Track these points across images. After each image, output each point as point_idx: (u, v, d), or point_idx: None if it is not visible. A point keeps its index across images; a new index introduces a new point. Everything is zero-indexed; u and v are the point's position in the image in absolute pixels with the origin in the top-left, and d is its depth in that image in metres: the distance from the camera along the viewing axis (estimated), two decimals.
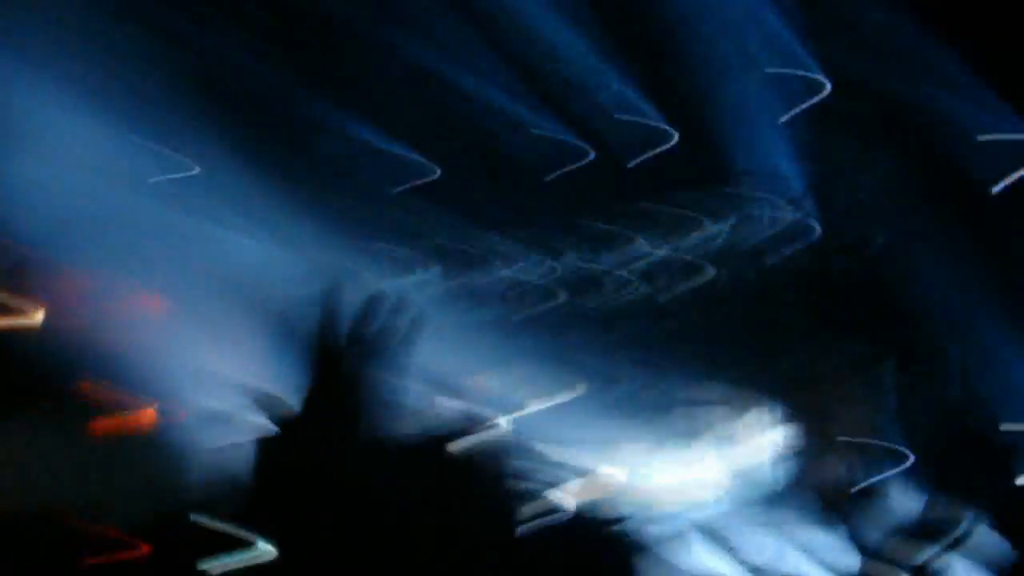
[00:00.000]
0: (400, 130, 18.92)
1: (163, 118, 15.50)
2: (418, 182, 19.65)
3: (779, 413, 16.50)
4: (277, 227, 18.03)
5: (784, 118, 15.17)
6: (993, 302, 12.75)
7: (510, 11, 15.52)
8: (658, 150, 16.80)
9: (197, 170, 17.71)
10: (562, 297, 17.32)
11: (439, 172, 19.07)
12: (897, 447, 13.70)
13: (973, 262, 12.78)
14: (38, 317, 13.77)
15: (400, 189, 18.65)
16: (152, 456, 12.99)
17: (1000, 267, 12.71)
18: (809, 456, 15.35)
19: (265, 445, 9.57)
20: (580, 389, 17.74)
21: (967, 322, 12.80)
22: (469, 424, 9.51)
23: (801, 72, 14.63)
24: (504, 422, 9.98)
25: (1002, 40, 12.78)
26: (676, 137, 16.29)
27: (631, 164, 16.85)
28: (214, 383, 15.71)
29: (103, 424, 13.91)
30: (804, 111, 15.01)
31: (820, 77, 14.74)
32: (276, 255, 19.79)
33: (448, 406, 9.88)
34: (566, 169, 18.18)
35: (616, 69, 16.05)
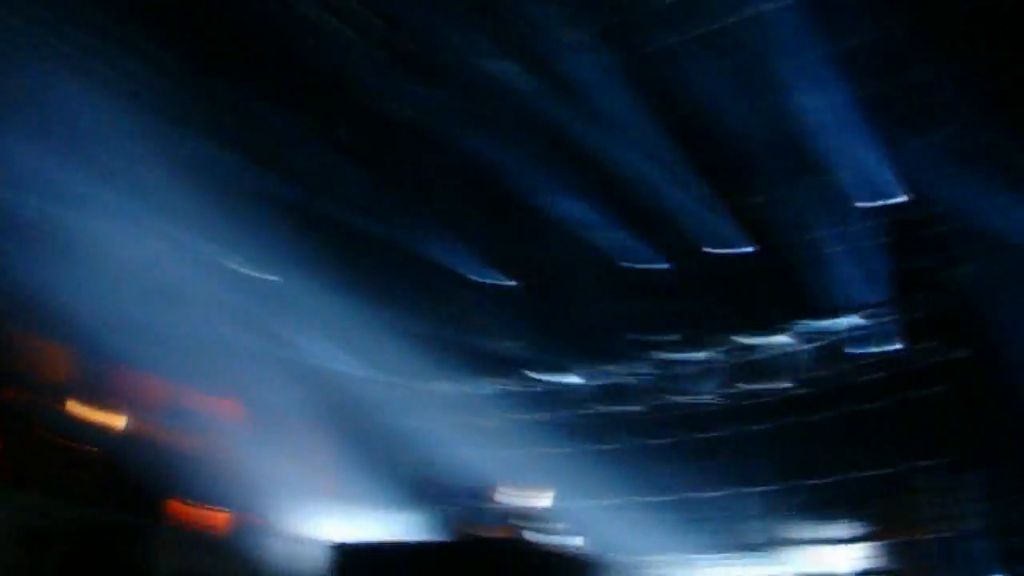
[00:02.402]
0: (477, 243, 18.99)
1: (246, 229, 15.72)
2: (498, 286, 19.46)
3: (861, 522, 15.97)
4: (355, 342, 18.09)
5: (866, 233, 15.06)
6: None
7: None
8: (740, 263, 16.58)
9: (277, 279, 17.87)
10: (639, 404, 17.21)
11: (514, 284, 19.09)
12: (984, 561, 13.29)
13: None
14: (120, 424, 13.91)
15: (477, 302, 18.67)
16: (224, 561, 12.93)
17: None
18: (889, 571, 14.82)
19: (341, 554, 9.49)
20: (657, 498, 17.39)
21: None
22: (542, 538, 9.45)
23: (881, 184, 14.65)
24: (577, 535, 9.89)
25: None
26: (752, 247, 16.27)
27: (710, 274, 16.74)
28: (288, 493, 15.59)
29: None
30: (886, 222, 14.94)
31: (895, 190, 14.70)
32: (352, 368, 19.67)
33: (524, 522, 9.83)
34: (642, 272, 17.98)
35: (692, 181, 16.15)
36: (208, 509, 15.69)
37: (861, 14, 14.17)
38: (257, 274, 18.25)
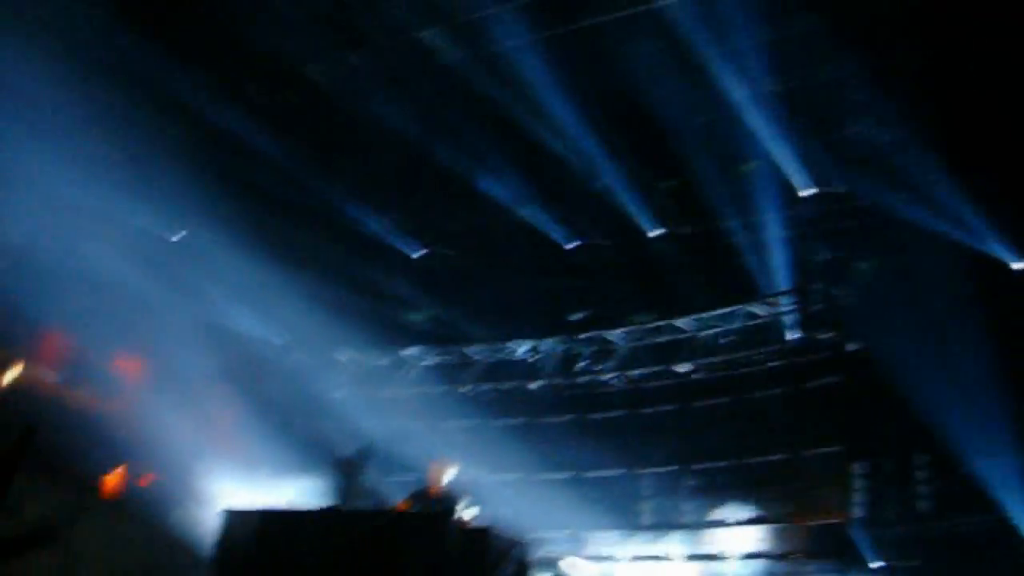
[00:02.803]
0: (395, 212, 18.93)
1: (156, 184, 15.45)
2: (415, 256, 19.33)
3: (755, 507, 16.33)
4: (265, 306, 17.89)
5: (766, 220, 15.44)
6: (962, 406, 12.89)
7: (522, 106, 15.71)
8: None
9: (183, 234, 17.56)
10: (540, 382, 17.33)
11: (426, 252, 19.08)
12: (862, 552, 13.73)
13: (946, 367, 12.95)
14: (15, 373, 13.58)
15: (389, 269, 18.59)
16: (116, 520, 12.71)
17: (970, 372, 12.88)
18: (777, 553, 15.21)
19: (233, 520, 9.41)
20: (553, 475, 17.53)
21: (937, 425, 12.94)
22: (440, 512, 9.49)
23: (785, 176, 14.99)
24: (475, 508, 9.94)
25: (983, 159, 13.15)
26: (663, 230, 16.54)
27: (615, 253, 16.99)
28: (188, 456, 15.33)
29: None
30: (788, 217, 15.31)
31: (804, 183, 15.05)
32: (260, 332, 19.44)
33: (423, 493, 9.86)
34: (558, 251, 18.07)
35: (610, 161, 16.35)
36: (104, 470, 15.47)
37: (784, 7, 14.50)
38: (165, 231, 18.00)
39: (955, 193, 14.20)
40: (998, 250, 14.48)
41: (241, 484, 15.78)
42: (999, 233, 14.36)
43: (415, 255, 19.55)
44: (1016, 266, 14.37)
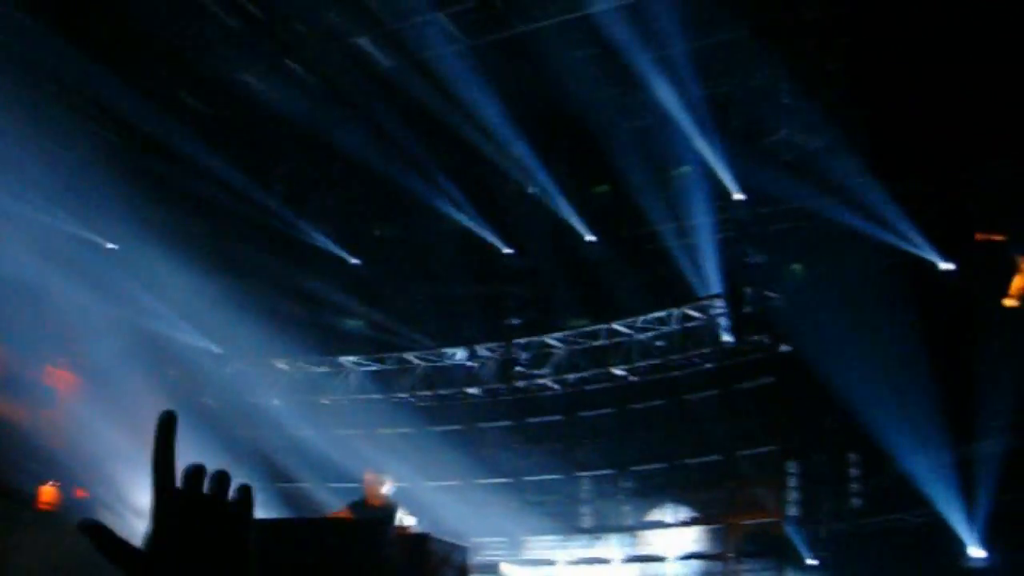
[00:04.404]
0: (331, 220, 18.83)
1: (90, 192, 15.22)
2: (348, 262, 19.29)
3: (691, 508, 16.49)
4: (199, 315, 17.71)
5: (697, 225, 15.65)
6: (892, 405, 13.19)
7: (447, 109, 15.75)
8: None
9: (117, 246, 17.34)
10: (479, 387, 17.37)
11: (363, 259, 19.04)
12: (798, 550, 13.95)
13: (876, 367, 13.23)
14: None
15: (321, 278, 18.50)
16: (51, 533, 12.50)
17: (900, 372, 13.18)
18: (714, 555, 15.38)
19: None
20: (491, 480, 17.58)
21: (869, 424, 13.21)
22: (378, 520, 9.47)
23: (717, 181, 15.20)
24: (412, 516, 9.94)
25: (908, 163, 13.48)
26: (595, 237, 16.67)
27: (549, 261, 17.08)
28: (122, 468, 15.15)
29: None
30: (720, 221, 15.53)
31: (735, 187, 15.27)
32: (194, 341, 19.24)
33: (359, 502, 9.82)
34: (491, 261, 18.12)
35: (540, 168, 16.44)
36: (38, 482, 15.23)
37: (711, 15, 14.73)
38: (99, 240, 17.76)
39: (883, 197, 14.52)
40: (925, 252, 14.82)
41: None
42: (926, 236, 14.71)
43: (352, 262, 19.49)
44: (943, 267, 14.73)
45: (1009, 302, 13.80)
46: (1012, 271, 13.87)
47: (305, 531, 9.55)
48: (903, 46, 13.98)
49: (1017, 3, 13.00)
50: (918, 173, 14.32)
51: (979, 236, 13.96)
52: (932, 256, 15.02)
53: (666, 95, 15.67)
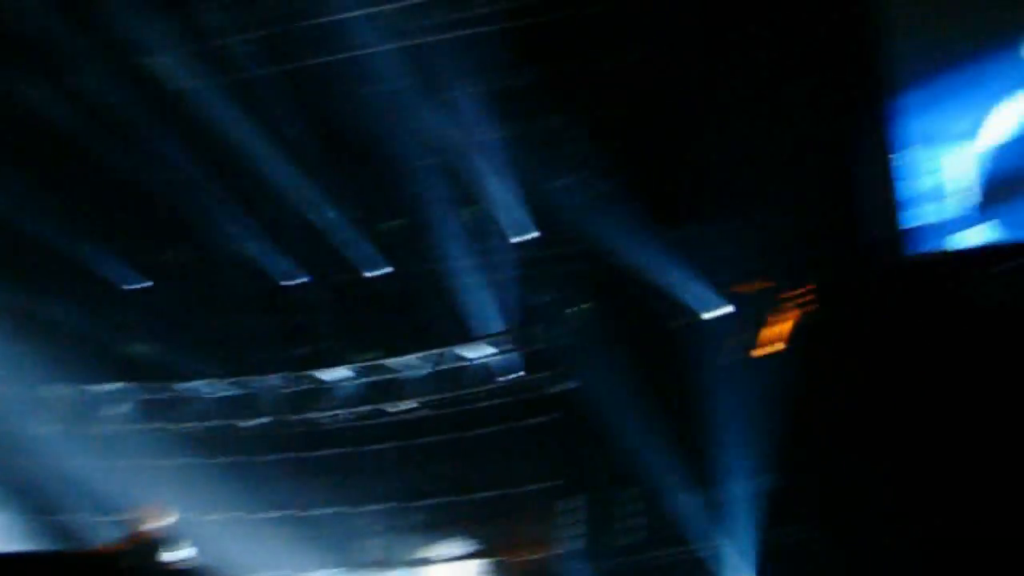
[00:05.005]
0: (111, 243, 18.30)
1: None
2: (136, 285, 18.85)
3: (472, 542, 16.66)
4: None
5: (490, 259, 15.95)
6: (672, 442, 13.74)
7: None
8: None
9: None
10: (262, 419, 17.12)
11: (144, 285, 18.54)
12: None
13: (653, 406, 13.76)
14: None
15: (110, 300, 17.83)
16: None
17: (675, 410, 13.75)
18: None
19: None
20: (275, 513, 17.30)
21: (646, 461, 13.72)
22: (148, 552, 9.20)
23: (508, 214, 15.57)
24: (191, 549, 9.68)
25: (684, 212, 14.18)
26: (384, 270, 16.77)
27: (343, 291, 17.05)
28: None
29: None
30: (507, 257, 15.90)
31: (531, 227, 15.65)
32: None
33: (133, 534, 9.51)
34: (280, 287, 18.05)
35: (332, 200, 16.48)
36: None
37: (505, 61, 15.16)
38: None
39: (660, 242, 15.17)
40: (693, 299, 15.58)
41: None
42: (700, 283, 15.47)
43: (132, 287, 18.85)
44: (707, 315, 15.49)
45: (756, 352, 14.60)
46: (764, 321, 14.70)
47: (69, 565, 9.19)
48: (687, 99, 14.75)
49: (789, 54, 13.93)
50: (694, 222, 15.07)
51: (738, 288, 14.79)
52: (701, 303, 15.82)
53: (460, 136, 15.99)
